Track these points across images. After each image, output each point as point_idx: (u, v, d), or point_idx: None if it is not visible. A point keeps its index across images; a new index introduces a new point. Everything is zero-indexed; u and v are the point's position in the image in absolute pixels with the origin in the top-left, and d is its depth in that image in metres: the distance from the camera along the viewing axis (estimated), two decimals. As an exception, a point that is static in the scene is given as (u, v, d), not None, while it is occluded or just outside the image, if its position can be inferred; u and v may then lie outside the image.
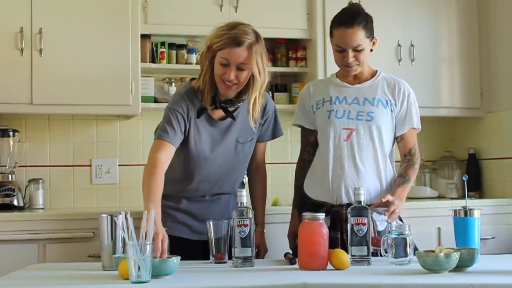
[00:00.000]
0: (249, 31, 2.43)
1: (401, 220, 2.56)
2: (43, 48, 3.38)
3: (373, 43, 2.59)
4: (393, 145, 2.65)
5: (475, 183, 4.01)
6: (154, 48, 3.71)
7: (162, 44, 3.73)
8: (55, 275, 2.08)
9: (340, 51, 2.55)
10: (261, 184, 2.79)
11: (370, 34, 2.56)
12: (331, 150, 2.56)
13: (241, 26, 2.45)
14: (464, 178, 2.47)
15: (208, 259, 2.31)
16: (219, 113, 2.55)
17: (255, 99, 2.50)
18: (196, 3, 3.63)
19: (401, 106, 2.61)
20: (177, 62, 3.75)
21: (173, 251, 2.15)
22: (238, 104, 2.55)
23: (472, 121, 4.16)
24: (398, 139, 2.64)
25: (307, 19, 3.81)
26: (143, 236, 1.92)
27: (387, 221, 2.34)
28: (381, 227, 2.32)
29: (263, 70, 2.47)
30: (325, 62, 3.75)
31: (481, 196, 4.03)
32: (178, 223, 2.57)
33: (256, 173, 2.77)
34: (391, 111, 2.60)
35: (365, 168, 2.54)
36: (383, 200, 2.37)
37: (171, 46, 3.76)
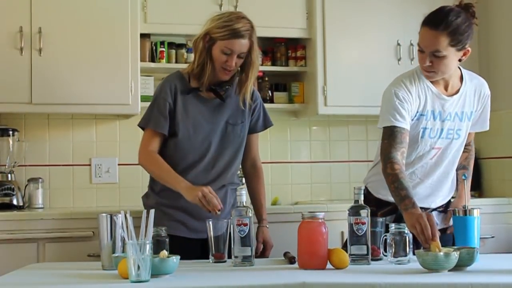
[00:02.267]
0: (246, 21, 2.55)
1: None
2: (43, 48, 3.38)
3: (464, 54, 2.41)
4: None
5: (474, 182, 3.99)
6: (154, 48, 3.71)
7: (162, 43, 3.73)
8: (55, 274, 2.07)
9: (420, 51, 2.41)
10: (260, 180, 2.80)
11: (458, 43, 2.35)
12: (414, 166, 2.49)
13: (237, 16, 2.56)
14: (463, 178, 2.47)
15: (207, 257, 2.31)
16: (209, 93, 2.62)
17: (249, 80, 2.60)
18: (195, 2, 3.62)
19: (479, 108, 2.56)
20: (176, 62, 3.75)
21: (171, 249, 2.14)
22: (228, 86, 2.61)
23: (472, 120, 4.15)
24: None
25: (306, 18, 3.80)
26: (143, 235, 1.92)
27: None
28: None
29: (258, 53, 2.67)
30: (324, 61, 3.75)
31: (480, 195, 4.03)
32: (175, 221, 2.56)
33: (253, 169, 2.78)
34: (470, 120, 2.55)
35: (444, 179, 2.55)
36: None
37: (171, 45, 3.76)
